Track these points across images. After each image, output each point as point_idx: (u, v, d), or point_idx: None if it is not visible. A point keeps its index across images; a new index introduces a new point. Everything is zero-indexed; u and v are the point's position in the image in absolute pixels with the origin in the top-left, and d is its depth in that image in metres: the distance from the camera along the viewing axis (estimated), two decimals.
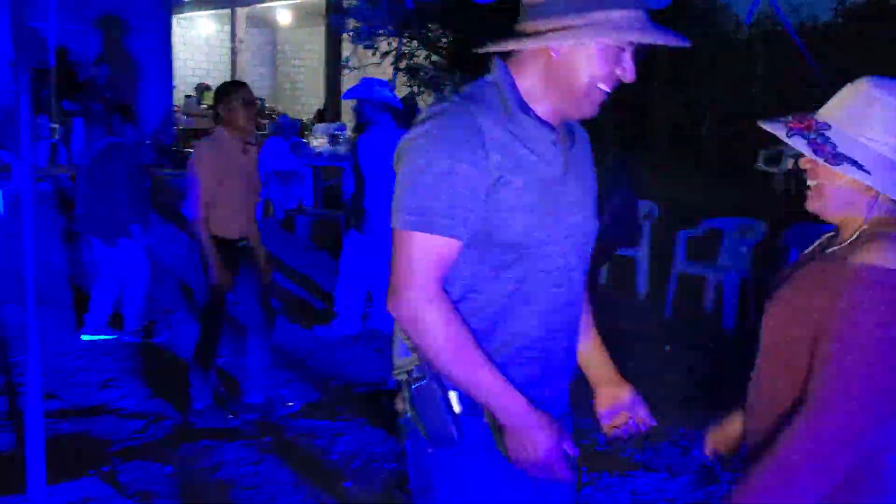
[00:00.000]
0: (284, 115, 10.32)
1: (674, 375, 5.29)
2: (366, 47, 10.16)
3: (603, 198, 6.28)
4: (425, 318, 1.56)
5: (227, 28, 21.06)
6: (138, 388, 4.84)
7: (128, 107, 5.82)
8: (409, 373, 1.65)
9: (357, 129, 6.53)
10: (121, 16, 12.54)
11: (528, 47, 1.61)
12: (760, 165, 15.02)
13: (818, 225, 1.70)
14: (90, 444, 4.03)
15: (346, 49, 18.81)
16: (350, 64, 10.38)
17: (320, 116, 18.85)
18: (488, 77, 1.67)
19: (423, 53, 10.13)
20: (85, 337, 5.62)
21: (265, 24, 22.10)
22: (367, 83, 5.95)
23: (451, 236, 1.55)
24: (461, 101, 1.62)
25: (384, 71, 11.16)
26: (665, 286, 7.09)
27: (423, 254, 1.55)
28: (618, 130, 10.83)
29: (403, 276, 1.57)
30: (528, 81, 1.63)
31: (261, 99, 18.70)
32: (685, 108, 16.43)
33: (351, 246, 5.94)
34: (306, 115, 20.85)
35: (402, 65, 10.03)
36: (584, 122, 1.76)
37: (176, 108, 16.56)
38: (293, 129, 9.85)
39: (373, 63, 10.53)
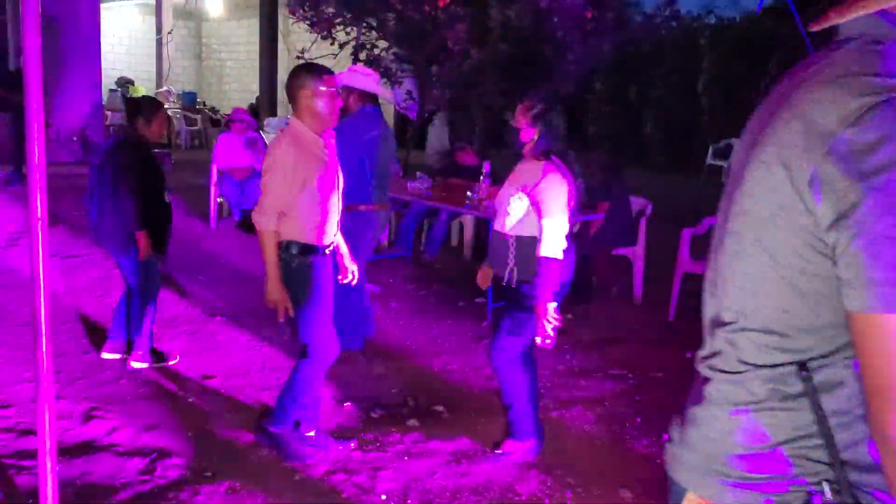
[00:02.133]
0: (238, 109, 9.65)
1: None
2: (323, 37, 9.59)
3: (597, 198, 5.94)
4: None
5: (151, 19, 20.08)
6: (126, 418, 4.25)
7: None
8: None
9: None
10: (47, 6, 11.66)
11: None
12: (710, 160, 15.04)
13: None
14: (93, 491, 3.45)
15: (284, 41, 18.23)
16: (306, 56, 9.74)
17: (253, 111, 18.13)
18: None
19: (382, 44, 9.63)
20: (132, 362, 4.98)
21: (192, 15, 21.19)
22: (352, 71, 5.47)
23: None
24: None
25: (340, 63, 10.63)
26: (663, 287, 6.82)
27: None
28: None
29: None
30: None
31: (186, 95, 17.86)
32: (626, 107, 16.38)
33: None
34: None
35: (362, 56, 9.50)
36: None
37: None
38: (249, 125, 9.21)
39: (330, 54, 9.96)
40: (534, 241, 3.53)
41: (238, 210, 8.96)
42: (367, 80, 5.35)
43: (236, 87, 22.07)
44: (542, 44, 9.12)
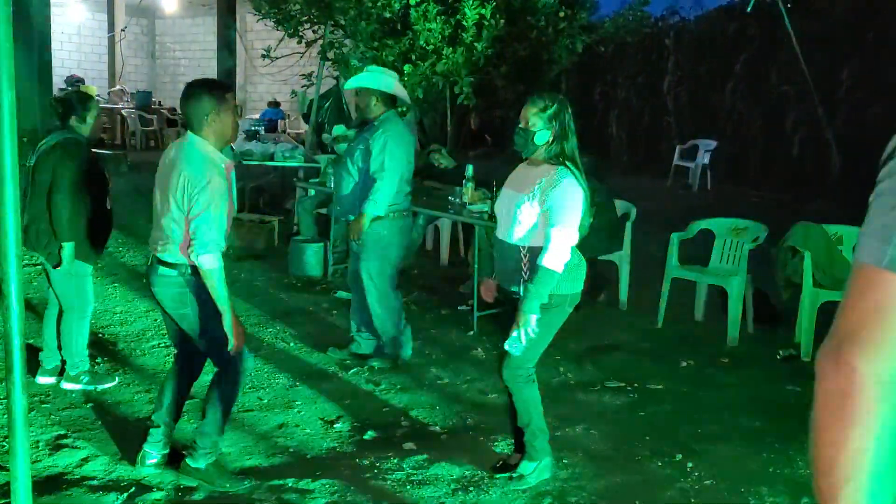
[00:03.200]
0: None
1: (711, 393, 4.79)
2: (289, 35, 9.24)
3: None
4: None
5: (101, 16, 19.49)
6: (97, 447, 3.90)
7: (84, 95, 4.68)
8: None
9: (360, 124, 5.70)
10: None
11: None
12: (677, 161, 14.96)
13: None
14: None
15: (241, 40, 17.76)
16: (271, 54, 9.40)
17: None
18: None
19: (350, 44, 9.31)
20: (65, 385, 4.58)
21: (145, 12, 20.59)
22: (374, 72, 5.20)
23: None
24: None
25: (313, 62, 10.35)
26: (646, 293, 6.63)
27: None
28: None
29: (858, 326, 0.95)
30: None
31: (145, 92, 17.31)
32: (590, 107, 16.24)
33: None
34: None
35: (330, 55, 9.17)
36: None
37: None
38: None
39: (296, 53, 9.63)
40: None
41: None
42: (390, 80, 5.07)
43: None
44: (517, 43, 8.90)
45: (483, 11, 8.49)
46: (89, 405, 4.39)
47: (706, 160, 13.94)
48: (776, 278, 6.11)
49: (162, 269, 3.39)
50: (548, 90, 3.52)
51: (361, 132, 5.18)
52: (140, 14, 20.66)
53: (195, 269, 3.31)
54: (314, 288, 6.97)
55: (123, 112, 15.40)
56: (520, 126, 3.33)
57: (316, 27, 9.28)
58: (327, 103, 10.68)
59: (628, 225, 6.69)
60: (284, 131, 15.48)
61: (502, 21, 8.64)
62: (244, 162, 8.72)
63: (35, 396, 4.39)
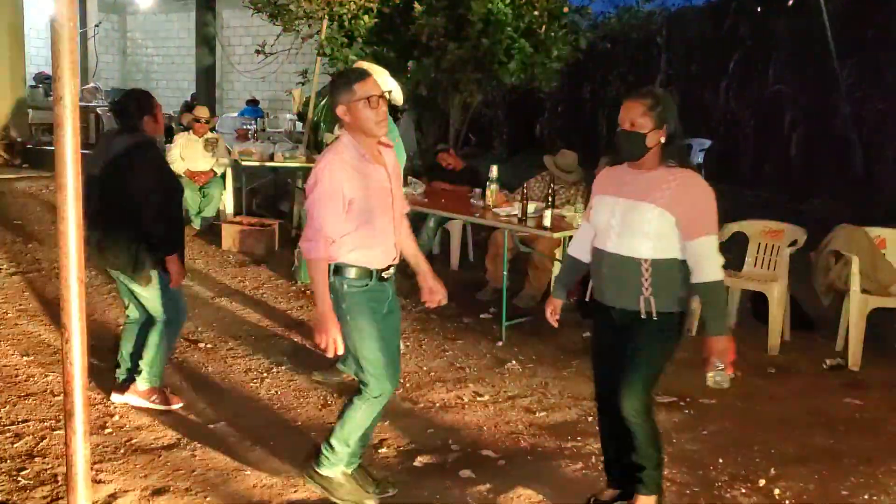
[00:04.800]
0: (202, 107, 8.82)
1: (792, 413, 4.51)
2: (286, 30, 8.84)
3: None
4: None
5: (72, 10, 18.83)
6: (128, 479, 3.52)
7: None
8: None
9: None
10: None
11: None
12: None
13: None
14: None
15: (217, 36, 17.26)
16: (266, 50, 9.00)
17: (189, 109, 17.08)
18: None
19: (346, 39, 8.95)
20: (131, 399, 4.23)
21: (117, 7, 19.99)
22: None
23: None
24: None
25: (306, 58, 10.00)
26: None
27: None
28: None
29: None
30: None
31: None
32: (579, 105, 16.01)
33: None
34: (170, 107, 18.97)
35: (328, 51, 8.79)
36: None
37: None
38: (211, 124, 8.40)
39: (291, 49, 9.23)
40: (675, 265, 2.96)
41: (200, 218, 8.16)
42: (388, 80, 4.76)
43: (165, 84, 20.93)
44: (523, 38, 8.58)
45: (490, 6, 8.18)
46: (109, 428, 4.00)
47: (700, 159, 13.75)
48: (815, 284, 5.87)
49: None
50: (648, 87, 3.15)
51: None
52: (111, 10, 20.05)
53: (338, 269, 3.08)
54: None
55: (98, 111, 14.81)
56: (623, 128, 2.97)
57: (312, 22, 8.88)
58: (323, 101, 10.26)
59: None
60: (264, 129, 15.01)
61: (511, 15, 8.33)
62: (242, 162, 8.32)
63: (43, 417, 4.01)
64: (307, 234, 3.03)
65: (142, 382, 4.19)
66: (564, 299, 3.40)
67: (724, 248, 6.01)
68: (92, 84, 16.35)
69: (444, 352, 5.43)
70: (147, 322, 4.20)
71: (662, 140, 2.94)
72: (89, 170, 3.93)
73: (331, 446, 3.26)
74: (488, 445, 4.03)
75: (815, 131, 12.44)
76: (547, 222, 5.33)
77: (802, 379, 5.16)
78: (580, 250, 3.29)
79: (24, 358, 4.89)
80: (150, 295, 4.07)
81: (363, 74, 3.12)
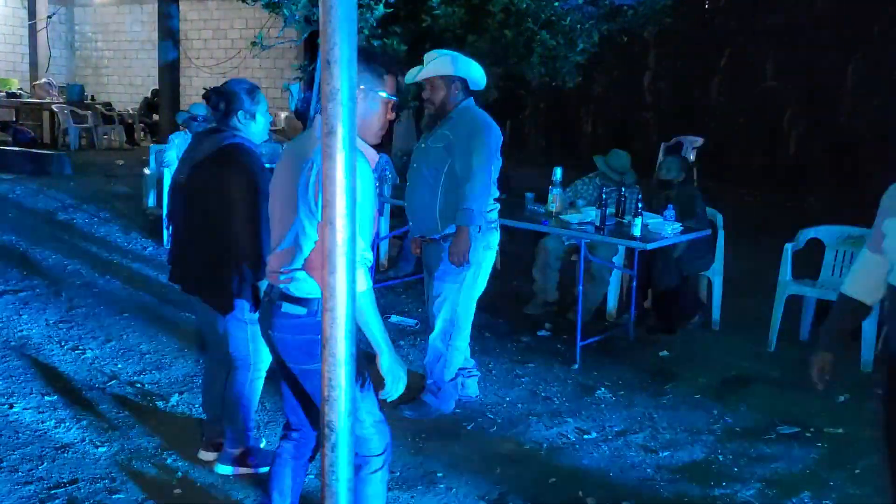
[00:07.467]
0: (199, 104, 8.04)
1: None
2: (286, 23, 8.14)
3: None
4: None
5: (15, 2, 17.69)
6: None
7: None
8: None
9: (427, 117, 4.74)
10: None
11: None
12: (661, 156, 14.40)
13: None
14: None
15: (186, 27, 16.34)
16: (262, 42, 8.27)
17: (150, 107, 16.14)
18: None
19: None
20: (223, 468, 3.46)
21: (67, 1, 18.89)
22: (446, 55, 4.19)
23: None
24: None
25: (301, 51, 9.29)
26: (734, 310, 5.92)
27: None
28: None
29: None
30: None
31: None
32: (563, 103, 15.55)
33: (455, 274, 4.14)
34: (122, 104, 17.97)
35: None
36: None
37: None
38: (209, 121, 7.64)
39: (289, 42, 8.54)
40: None
41: None
42: (470, 64, 4.15)
43: (116, 79, 19.87)
44: (545, 30, 8.03)
45: None
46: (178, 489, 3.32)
47: (692, 157, 13.43)
48: None
49: (287, 307, 2.42)
50: None
51: (436, 128, 4.21)
52: (59, 2, 18.91)
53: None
54: None
55: (54, 108, 13.79)
56: None
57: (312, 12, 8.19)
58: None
59: (721, 235, 5.92)
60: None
61: (533, 5, 7.78)
62: None
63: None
64: None
65: (232, 444, 3.45)
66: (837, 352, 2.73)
67: (800, 257, 5.64)
68: (44, 80, 15.29)
69: (518, 377, 4.85)
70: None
71: None
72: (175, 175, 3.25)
73: None
74: (627, 496, 3.46)
75: (812, 129, 12.24)
76: (637, 231, 4.78)
77: None
78: (862, 289, 2.64)
79: (47, 398, 4.17)
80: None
81: (396, 70, 2.55)
